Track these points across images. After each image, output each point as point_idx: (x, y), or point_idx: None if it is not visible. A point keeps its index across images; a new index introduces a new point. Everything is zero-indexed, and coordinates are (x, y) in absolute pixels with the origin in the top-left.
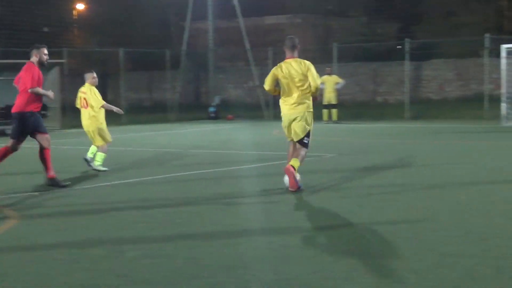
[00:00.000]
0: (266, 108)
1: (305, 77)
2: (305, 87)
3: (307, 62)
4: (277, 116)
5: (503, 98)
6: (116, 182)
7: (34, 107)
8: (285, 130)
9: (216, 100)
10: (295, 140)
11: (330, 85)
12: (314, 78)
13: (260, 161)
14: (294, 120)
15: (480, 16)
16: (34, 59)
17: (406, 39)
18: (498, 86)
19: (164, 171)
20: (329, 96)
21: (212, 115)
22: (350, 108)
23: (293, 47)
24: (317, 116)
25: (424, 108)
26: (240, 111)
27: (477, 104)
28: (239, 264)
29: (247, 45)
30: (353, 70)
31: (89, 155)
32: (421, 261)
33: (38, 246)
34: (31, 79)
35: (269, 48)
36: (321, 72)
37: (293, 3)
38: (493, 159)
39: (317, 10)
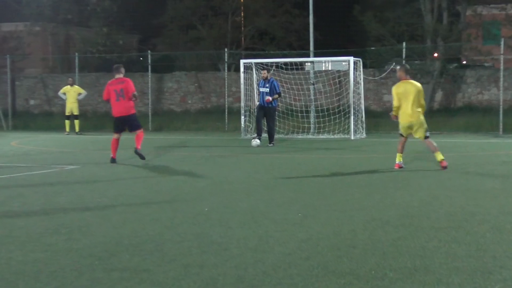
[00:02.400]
0: (5, 118)
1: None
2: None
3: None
4: (17, 126)
5: (242, 111)
6: None
7: None
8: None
9: None
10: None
11: (72, 95)
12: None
13: None
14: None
15: (218, 30)
16: None
17: (149, 51)
18: (237, 99)
19: None
20: (71, 107)
21: None
22: (92, 119)
23: None
24: (60, 127)
25: (166, 119)
26: None
27: (217, 117)
28: None
29: None
30: (95, 81)
31: None
32: (165, 273)
33: None
34: None
35: (7, 56)
36: (62, 83)
37: (31, 11)
38: (233, 170)
39: (57, 19)
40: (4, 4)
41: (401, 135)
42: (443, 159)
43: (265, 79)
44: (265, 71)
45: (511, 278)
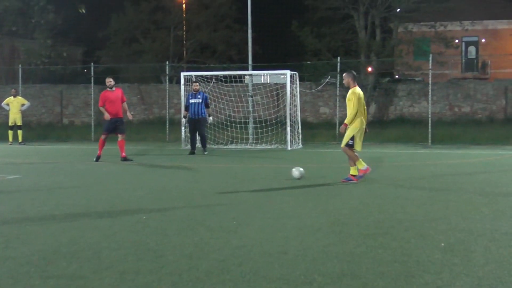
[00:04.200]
0: None
1: None
2: None
3: None
4: None
5: (183, 122)
6: None
7: None
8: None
9: None
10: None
11: (15, 106)
12: None
13: None
14: None
15: (161, 44)
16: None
17: (92, 64)
18: (179, 111)
19: None
20: (14, 117)
21: None
22: (36, 129)
23: None
24: (3, 137)
25: None
26: None
27: (159, 127)
28: None
29: None
30: (39, 92)
31: None
32: (101, 279)
33: None
34: None
35: None
36: (6, 94)
37: None
38: (172, 180)
39: (2, 31)
40: None
41: (351, 145)
42: (360, 169)
43: (197, 91)
44: (197, 84)
45: (432, 282)
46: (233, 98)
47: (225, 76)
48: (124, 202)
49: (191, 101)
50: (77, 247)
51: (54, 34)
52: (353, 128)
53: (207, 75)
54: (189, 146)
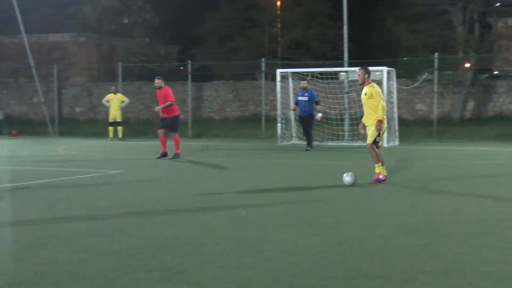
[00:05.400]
0: (52, 124)
1: None
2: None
3: None
4: (63, 133)
5: (279, 119)
6: None
7: None
8: None
9: (0, 115)
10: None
11: (115, 103)
12: None
13: (43, 177)
14: None
15: (255, 41)
16: None
17: (189, 61)
18: (274, 108)
19: None
20: (115, 114)
21: None
22: (134, 125)
23: None
24: (103, 134)
25: (206, 127)
26: (24, 127)
27: (254, 124)
28: (21, 280)
29: (31, 62)
30: (137, 89)
31: None
32: (203, 274)
33: None
34: None
35: (54, 65)
36: (106, 91)
37: (77, 22)
38: (270, 177)
39: (100, 30)
40: (52, 16)
41: (378, 142)
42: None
43: (304, 89)
44: (305, 81)
45: None
46: (328, 95)
47: (320, 73)
48: (222, 198)
49: (299, 98)
50: (179, 241)
51: (151, 32)
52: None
53: (303, 72)
54: (284, 143)
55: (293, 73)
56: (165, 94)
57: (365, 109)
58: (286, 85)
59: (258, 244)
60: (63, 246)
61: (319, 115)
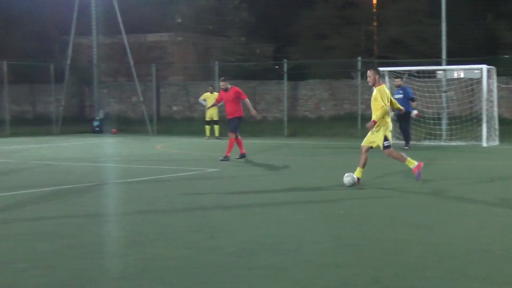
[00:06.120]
0: (150, 123)
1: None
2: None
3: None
4: (161, 131)
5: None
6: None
7: None
8: None
9: (100, 114)
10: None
11: (212, 102)
12: None
13: (144, 175)
14: None
15: (351, 39)
16: None
17: (285, 60)
18: (370, 107)
19: (50, 183)
20: (211, 113)
21: (97, 128)
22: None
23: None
24: (200, 132)
25: (301, 125)
26: (124, 126)
27: (350, 123)
28: (126, 275)
29: (131, 61)
30: None
31: None
32: (303, 272)
33: None
34: None
35: (152, 65)
36: (203, 90)
37: (174, 22)
38: (369, 175)
39: (197, 29)
40: (150, 16)
41: (389, 146)
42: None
43: (398, 87)
44: (399, 79)
45: None
46: (425, 94)
47: (417, 71)
48: (321, 196)
49: (395, 96)
50: (278, 239)
51: (247, 31)
52: (384, 128)
53: (400, 70)
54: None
55: (389, 71)
56: (235, 95)
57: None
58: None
59: (357, 243)
60: (165, 242)
61: (414, 112)
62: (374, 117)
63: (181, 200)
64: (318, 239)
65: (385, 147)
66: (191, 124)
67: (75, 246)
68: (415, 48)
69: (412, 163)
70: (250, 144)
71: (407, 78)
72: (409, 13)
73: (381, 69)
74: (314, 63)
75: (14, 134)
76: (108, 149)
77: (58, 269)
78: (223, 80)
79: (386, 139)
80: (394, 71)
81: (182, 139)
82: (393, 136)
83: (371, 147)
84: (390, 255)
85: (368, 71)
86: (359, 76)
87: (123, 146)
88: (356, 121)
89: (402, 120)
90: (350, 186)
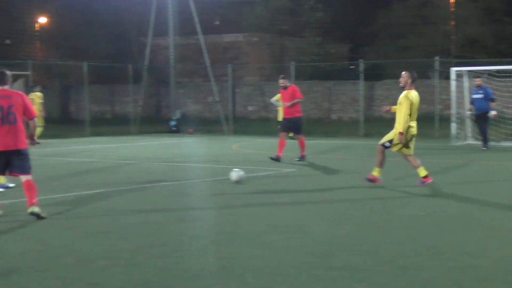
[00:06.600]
0: (226, 123)
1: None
2: None
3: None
4: (236, 131)
5: (453, 118)
6: (81, 192)
7: None
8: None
9: (177, 114)
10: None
11: None
12: None
13: (221, 174)
14: None
15: (427, 39)
16: None
17: (360, 60)
18: (447, 107)
19: (129, 182)
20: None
21: (173, 128)
22: (305, 124)
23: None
24: (275, 132)
25: (377, 126)
26: (200, 126)
27: (426, 124)
28: (206, 274)
29: (207, 62)
30: (308, 88)
31: None
32: (382, 273)
33: (9, 254)
34: None
35: (228, 65)
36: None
37: (250, 23)
38: (446, 176)
39: (273, 30)
40: (226, 17)
41: (388, 147)
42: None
43: (478, 87)
44: (479, 79)
45: None
46: (505, 94)
47: (497, 71)
48: (396, 198)
49: (474, 96)
50: (354, 240)
51: (322, 31)
52: (397, 132)
53: (478, 70)
54: (459, 143)
55: (468, 71)
56: (293, 93)
57: (413, 116)
58: (460, 84)
59: (436, 245)
60: (243, 242)
61: (493, 112)
62: (400, 128)
63: (257, 200)
64: (396, 240)
65: (384, 146)
66: (266, 124)
67: (155, 244)
68: (493, 48)
69: (424, 173)
70: (325, 144)
71: (487, 78)
72: (487, 12)
73: (460, 68)
74: (391, 63)
75: (93, 134)
76: (185, 148)
77: (139, 267)
78: (283, 78)
79: (391, 141)
80: (473, 71)
81: (258, 139)
82: (472, 136)
83: (409, 154)
84: (472, 257)
85: (403, 72)
86: (436, 76)
87: (199, 146)
88: (433, 122)
89: (481, 121)
90: (236, 182)
